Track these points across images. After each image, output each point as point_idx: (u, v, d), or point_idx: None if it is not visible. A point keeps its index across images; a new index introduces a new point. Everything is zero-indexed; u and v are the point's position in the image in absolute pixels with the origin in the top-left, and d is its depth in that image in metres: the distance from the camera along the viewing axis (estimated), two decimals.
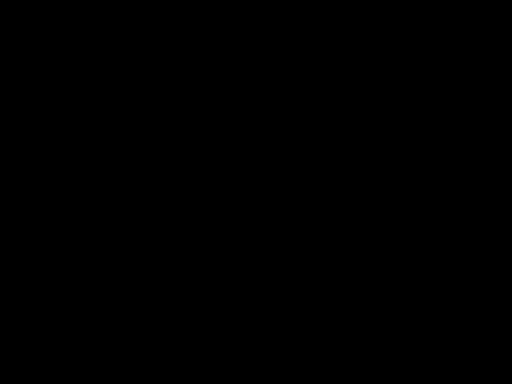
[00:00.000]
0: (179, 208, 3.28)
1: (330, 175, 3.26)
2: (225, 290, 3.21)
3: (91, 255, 3.26)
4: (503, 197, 3.19)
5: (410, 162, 3.25)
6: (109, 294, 3.22)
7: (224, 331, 3.19)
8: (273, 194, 3.27)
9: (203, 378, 3.18)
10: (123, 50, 3.34)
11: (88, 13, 3.34)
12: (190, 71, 3.34)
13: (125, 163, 3.30)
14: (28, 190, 3.29)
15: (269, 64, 3.33)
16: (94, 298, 3.22)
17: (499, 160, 3.22)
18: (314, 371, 3.17)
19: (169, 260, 3.25)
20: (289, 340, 3.19)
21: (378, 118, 3.29)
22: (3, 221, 3.27)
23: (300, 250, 3.23)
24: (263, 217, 3.26)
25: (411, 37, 3.30)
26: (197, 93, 3.33)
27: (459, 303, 3.16)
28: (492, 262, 3.17)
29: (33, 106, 3.32)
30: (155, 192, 3.29)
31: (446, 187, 3.23)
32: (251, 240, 3.24)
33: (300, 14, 3.33)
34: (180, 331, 3.20)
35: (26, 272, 3.25)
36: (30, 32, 3.34)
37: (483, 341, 3.14)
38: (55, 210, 3.28)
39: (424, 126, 3.27)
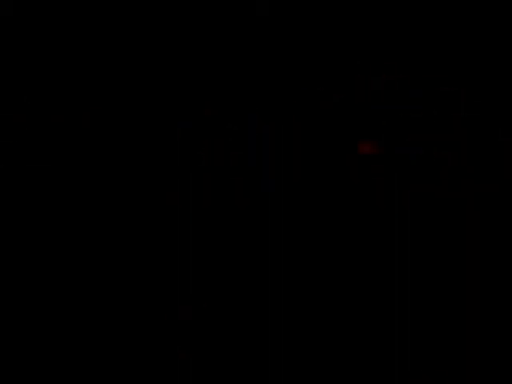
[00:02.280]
0: (179, 208, 3.28)
1: (330, 173, 3.26)
2: None
3: (92, 254, 3.26)
4: None
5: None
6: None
7: None
8: (274, 194, 3.27)
9: None
10: (123, 50, 3.34)
11: (88, 13, 3.34)
12: (190, 71, 3.34)
13: (125, 163, 3.30)
14: (28, 189, 3.29)
15: (269, 64, 3.33)
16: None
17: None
18: None
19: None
20: None
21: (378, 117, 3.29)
22: (3, 220, 3.27)
23: None
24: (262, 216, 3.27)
25: (411, 37, 3.30)
26: (197, 93, 3.33)
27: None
28: None
29: (33, 105, 3.32)
30: (155, 191, 3.29)
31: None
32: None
33: (300, 14, 3.33)
34: None
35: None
36: (30, 32, 3.34)
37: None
38: (55, 210, 3.28)
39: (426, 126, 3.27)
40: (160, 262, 3.25)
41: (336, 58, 3.31)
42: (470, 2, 3.28)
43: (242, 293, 3.23)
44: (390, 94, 3.29)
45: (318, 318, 3.20)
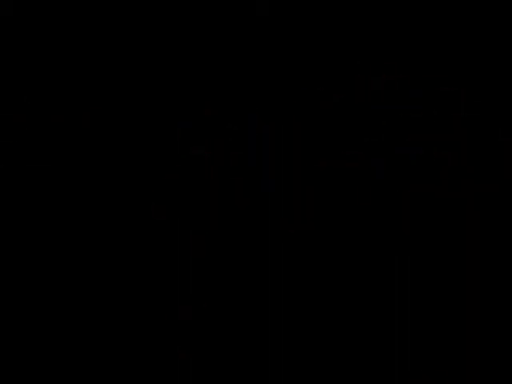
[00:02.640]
0: (178, 207, 3.28)
1: (330, 173, 3.26)
2: None
3: (92, 254, 3.26)
4: None
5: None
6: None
7: None
8: (276, 192, 3.27)
9: None
10: (123, 50, 3.34)
11: (88, 13, 3.34)
12: (190, 71, 3.34)
13: (125, 163, 3.30)
14: (28, 189, 3.29)
15: (269, 64, 3.33)
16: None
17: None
18: None
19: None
20: None
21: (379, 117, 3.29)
22: (3, 220, 3.27)
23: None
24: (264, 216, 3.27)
25: (411, 37, 3.30)
26: (197, 93, 3.33)
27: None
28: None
29: (33, 105, 3.32)
30: (155, 191, 3.29)
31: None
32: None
33: (300, 14, 3.33)
34: None
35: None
36: (30, 32, 3.34)
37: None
38: (55, 210, 3.28)
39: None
40: (160, 261, 3.25)
41: (336, 58, 3.31)
42: (470, 2, 3.28)
43: (242, 293, 3.23)
44: (390, 93, 3.29)
45: (318, 318, 3.20)
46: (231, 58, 3.33)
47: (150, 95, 3.33)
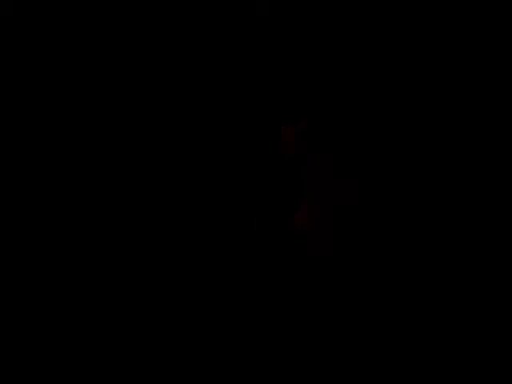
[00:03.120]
0: (178, 207, 3.28)
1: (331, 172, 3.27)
2: None
3: (93, 253, 3.27)
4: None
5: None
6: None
7: None
8: (276, 192, 3.28)
9: None
10: (123, 50, 3.34)
11: (88, 13, 3.35)
12: (190, 71, 3.34)
13: (125, 163, 3.30)
14: (28, 189, 3.29)
15: (269, 64, 3.33)
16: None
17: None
18: None
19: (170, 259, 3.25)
20: None
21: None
22: (3, 220, 3.27)
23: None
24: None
25: (410, 38, 3.31)
26: (198, 93, 3.33)
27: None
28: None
29: (33, 105, 3.33)
30: (156, 191, 3.29)
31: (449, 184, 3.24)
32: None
33: (300, 14, 3.33)
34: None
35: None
36: (30, 32, 3.34)
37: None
38: (55, 210, 3.28)
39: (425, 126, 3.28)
40: (160, 261, 3.25)
41: (335, 58, 3.32)
42: (470, 2, 3.29)
43: (242, 292, 3.24)
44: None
45: (318, 317, 3.20)
46: (231, 58, 3.34)
47: (150, 95, 3.33)
